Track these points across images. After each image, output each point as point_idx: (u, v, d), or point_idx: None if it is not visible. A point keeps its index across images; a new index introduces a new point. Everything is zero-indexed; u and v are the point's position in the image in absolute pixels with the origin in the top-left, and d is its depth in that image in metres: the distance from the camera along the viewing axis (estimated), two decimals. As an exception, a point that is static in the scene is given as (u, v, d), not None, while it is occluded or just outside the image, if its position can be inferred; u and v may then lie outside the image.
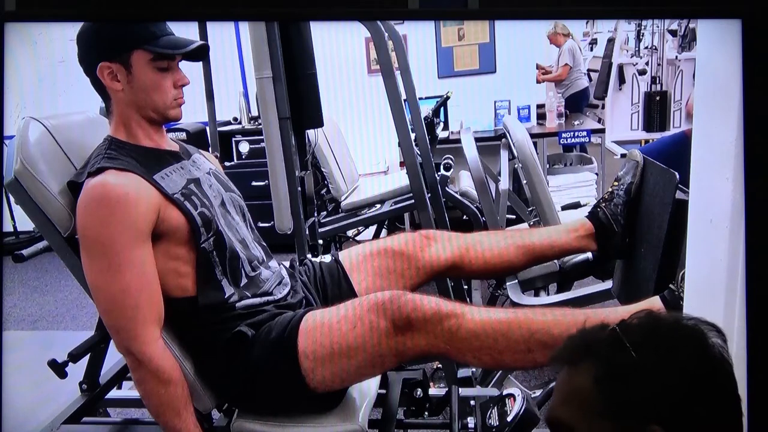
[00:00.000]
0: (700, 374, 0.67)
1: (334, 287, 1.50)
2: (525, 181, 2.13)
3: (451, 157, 2.60)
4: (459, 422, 1.38)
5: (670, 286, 1.27)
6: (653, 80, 4.11)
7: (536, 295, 2.08)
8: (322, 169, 3.29)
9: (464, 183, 3.33)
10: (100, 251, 1.19)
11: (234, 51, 4.40)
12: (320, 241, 2.21)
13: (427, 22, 4.09)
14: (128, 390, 1.80)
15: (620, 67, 4.29)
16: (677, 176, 1.38)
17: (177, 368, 1.24)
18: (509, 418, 1.22)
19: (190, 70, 1.38)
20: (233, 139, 4.20)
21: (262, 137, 1.89)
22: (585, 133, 3.91)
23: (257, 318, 1.31)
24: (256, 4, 1.22)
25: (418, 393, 1.52)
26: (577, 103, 4.84)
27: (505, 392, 1.29)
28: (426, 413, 1.53)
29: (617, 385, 0.67)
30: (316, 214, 2.03)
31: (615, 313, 1.29)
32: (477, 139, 2.51)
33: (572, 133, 3.91)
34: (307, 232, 1.94)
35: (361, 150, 4.19)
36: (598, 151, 4.25)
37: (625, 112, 4.22)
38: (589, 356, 0.70)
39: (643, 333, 0.70)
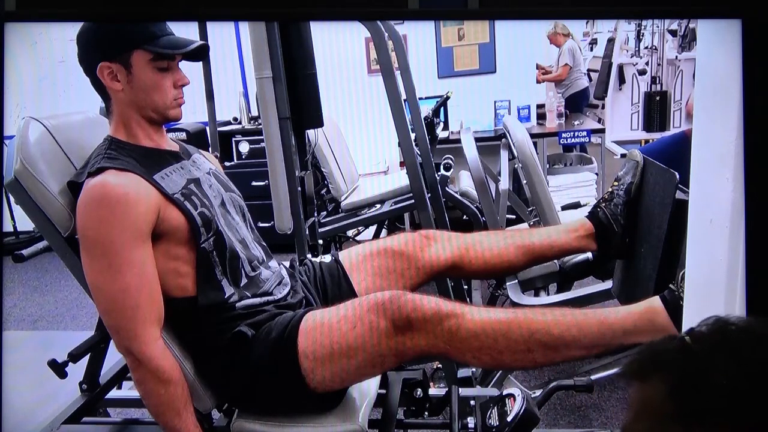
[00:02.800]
0: None
1: (334, 287, 1.50)
2: (525, 181, 2.13)
3: (451, 157, 2.60)
4: (459, 422, 1.38)
5: (670, 286, 1.27)
6: (653, 80, 4.11)
7: (536, 295, 2.08)
8: (322, 169, 3.29)
9: (464, 183, 3.33)
10: (100, 251, 1.19)
11: (234, 51, 4.40)
12: (320, 241, 2.21)
13: (427, 22, 4.09)
14: (128, 390, 1.80)
15: (620, 67, 4.29)
16: (677, 176, 1.38)
17: (177, 368, 1.24)
18: (509, 418, 1.22)
19: (190, 70, 1.38)
20: (233, 139, 4.20)
21: (262, 137, 1.89)
22: (585, 133, 3.92)
23: (257, 318, 1.31)
24: (256, 4, 1.22)
25: (418, 393, 1.52)
26: (577, 103, 4.84)
27: (505, 392, 1.29)
28: (426, 413, 1.53)
29: (691, 394, 0.65)
30: (316, 214, 2.03)
31: (615, 313, 1.30)
32: (477, 139, 2.51)
33: (572, 133, 3.91)
34: (307, 232, 1.94)
35: (361, 150, 4.19)
36: (598, 151, 4.25)
37: (625, 112, 4.22)
38: (660, 369, 0.69)
39: (712, 338, 0.68)
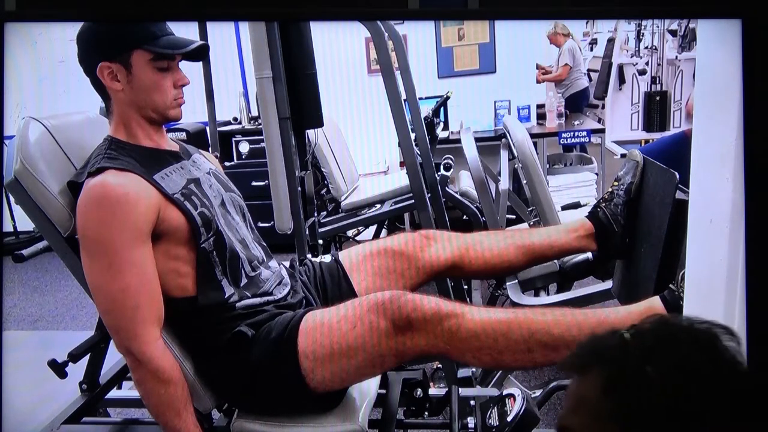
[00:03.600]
0: (712, 378, 0.66)
1: (334, 287, 1.50)
2: (525, 181, 2.13)
3: (451, 157, 2.60)
4: (459, 422, 1.38)
5: (670, 286, 1.27)
6: (653, 80, 4.11)
7: (536, 295, 2.08)
8: (322, 169, 3.29)
9: (464, 183, 3.33)
10: (100, 251, 1.19)
11: (234, 51, 4.40)
12: (320, 241, 2.21)
13: (427, 22, 4.09)
14: (128, 390, 1.80)
15: (620, 67, 4.29)
16: (677, 176, 1.38)
17: (177, 368, 1.24)
18: (509, 418, 1.22)
19: (190, 70, 1.38)
20: (233, 139, 4.20)
21: (262, 137, 1.89)
22: (585, 133, 3.91)
23: (257, 318, 1.31)
24: (256, 4, 1.22)
25: (418, 393, 1.52)
26: (577, 103, 4.85)
27: (505, 392, 1.29)
28: (426, 413, 1.53)
29: (627, 391, 0.66)
30: (316, 214, 2.03)
31: (615, 313, 1.30)
32: (477, 139, 2.51)
33: (572, 133, 3.91)
34: (307, 232, 1.94)
35: (361, 150, 4.19)
36: (598, 151, 4.25)
37: (625, 112, 4.22)
38: (598, 363, 0.69)
39: (652, 337, 0.68)
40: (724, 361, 0.67)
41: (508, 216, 2.53)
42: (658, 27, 4.09)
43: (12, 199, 1.32)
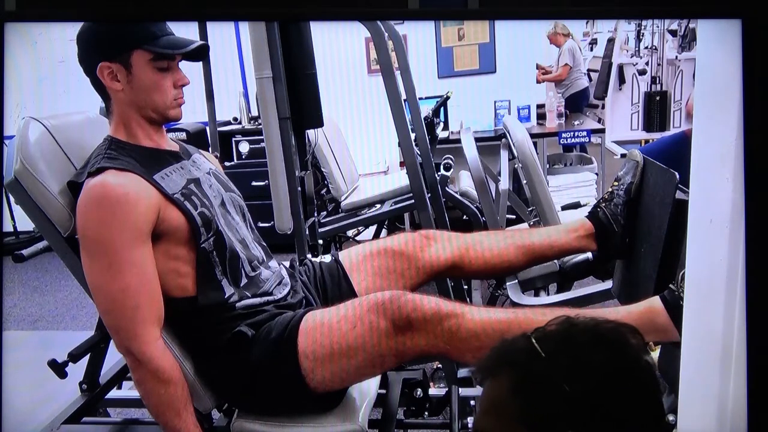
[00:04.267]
0: (614, 380, 0.66)
1: (334, 287, 1.50)
2: (525, 181, 2.13)
3: (451, 157, 2.60)
4: (459, 422, 1.38)
5: (670, 286, 1.27)
6: (653, 80, 4.11)
7: (536, 295, 2.07)
8: (322, 169, 3.29)
9: (464, 183, 3.33)
10: (100, 251, 1.19)
11: (234, 51, 4.40)
12: (320, 241, 2.21)
13: (427, 22, 4.09)
14: (128, 390, 1.80)
15: (620, 67, 4.29)
16: (677, 176, 1.38)
17: (177, 368, 1.24)
18: (509, 418, 1.22)
19: (190, 70, 1.38)
20: (233, 139, 4.20)
21: (262, 137, 1.89)
22: (585, 133, 3.91)
23: (257, 318, 1.31)
24: (256, 4, 1.22)
25: (418, 393, 1.52)
26: (577, 103, 4.85)
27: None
28: (426, 413, 1.53)
29: (532, 393, 0.66)
30: (316, 214, 2.03)
31: (615, 313, 1.30)
32: (477, 139, 2.51)
33: (572, 133, 3.91)
34: (307, 232, 1.94)
35: (361, 150, 4.19)
36: (598, 151, 4.25)
37: (625, 112, 4.22)
38: (506, 365, 0.70)
39: (557, 339, 0.69)
40: (629, 362, 0.68)
41: (508, 216, 2.53)
42: (658, 27, 4.09)
43: (12, 199, 1.32)
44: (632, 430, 0.66)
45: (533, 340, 0.70)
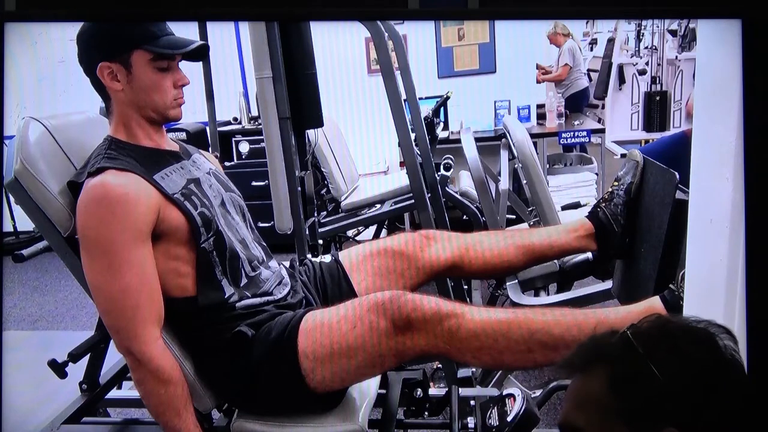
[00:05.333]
0: (712, 376, 0.67)
1: (334, 287, 1.50)
2: (525, 181, 2.13)
3: (451, 157, 2.60)
4: (459, 422, 1.38)
5: (670, 286, 1.27)
6: (653, 80, 4.11)
7: (536, 295, 2.08)
8: (322, 169, 3.29)
9: (464, 183, 3.33)
10: (100, 251, 1.19)
11: (234, 51, 4.40)
12: (320, 241, 2.21)
13: (427, 22, 4.09)
14: (128, 390, 1.80)
15: (620, 67, 4.29)
16: (677, 176, 1.38)
17: (177, 368, 1.24)
18: (509, 418, 1.22)
19: (190, 70, 1.38)
20: (233, 139, 4.20)
21: (262, 137, 1.89)
22: (585, 133, 3.91)
23: (257, 318, 1.31)
24: (256, 4, 1.22)
25: (418, 393, 1.52)
26: (577, 103, 4.84)
27: (505, 392, 1.29)
28: (426, 413, 1.53)
29: (632, 388, 0.67)
30: (316, 214, 2.03)
31: (615, 312, 1.30)
32: (477, 139, 2.51)
33: (572, 133, 3.91)
34: (307, 232, 1.94)
35: (361, 150, 4.19)
36: (598, 151, 4.25)
37: (625, 112, 4.22)
38: (602, 361, 0.70)
39: (654, 336, 0.70)
40: (724, 359, 0.68)
41: (508, 216, 2.53)
42: (658, 27, 4.09)
43: (12, 199, 1.32)
44: (727, 424, 0.67)
45: (630, 335, 0.70)
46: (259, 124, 2.57)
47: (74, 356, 1.43)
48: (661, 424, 0.65)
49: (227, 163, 4.14)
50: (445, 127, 4.23)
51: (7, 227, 4.19)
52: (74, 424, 1.49)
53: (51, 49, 4.36)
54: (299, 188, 1.87)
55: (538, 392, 1.57)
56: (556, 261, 2.01)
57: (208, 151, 1.70)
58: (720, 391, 0.67)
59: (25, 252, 1.45)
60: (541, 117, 4.38)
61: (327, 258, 1.56)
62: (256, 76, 1.81)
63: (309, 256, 1.80)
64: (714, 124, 0.98)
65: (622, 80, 4.29)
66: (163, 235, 1.25)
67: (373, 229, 3.62)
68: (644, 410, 0.66)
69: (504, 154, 2.60)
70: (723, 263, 0.96)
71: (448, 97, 3.40)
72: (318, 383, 1.25)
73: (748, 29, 0.95)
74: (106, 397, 1.66)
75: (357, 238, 3.60)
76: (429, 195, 2.15)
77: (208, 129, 2.57)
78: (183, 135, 2.45)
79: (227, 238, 1.32)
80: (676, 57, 4.05)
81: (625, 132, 4.22)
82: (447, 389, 1.54)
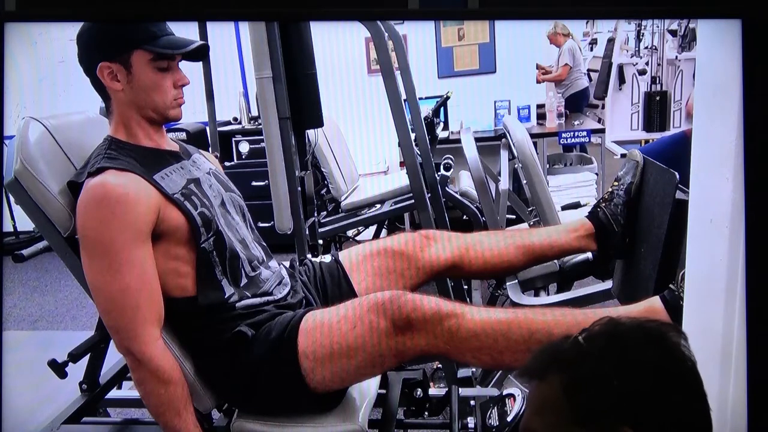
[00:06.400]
0: (664, 374, 0.68)
1: (334, 287, 1.50)
2: (525, 181, 2.13)
3: (451, 157, 2.60)
4: (459, 422, 1.38)
5: (670, 286, 1.27)
6: (653, 80, 4.12)
7: (536, 295, 2.07)
8: (322, 169, 3.29)
9: (464, 183, 3.33)
10: (100, 251, 1.19)
11: (234, 51, 4.40)
12: (320, 241, 2.21)
13: (427, 22, 4.09)
14: (128, 390, 1.80)
15: (620, 67, 4.30)
16: (677, 176, 1.38)
17: (177, 368, 1.24)
18: (509, 418, 1.22)
19: (190, 70, 1.38)
20: (233, 139, 4.20)
21: (262, 137, 1.89)
22: (585, 133, 3.92)
23: (257, 318, 1.31)
24: (256, 4, 1.22)
25: (418, 393, 1.52)
26: (577, 103, 4.85)
27: (505, 392, 1.29)
28: (426, 413, 1.53)
29: (585, 391, 0.68)
30: (316, 214, 2.03)
31: (615, 313, 1.29)
32: (477, 139, 2.51)
33: (572, 133, 3.91)
34: (307, 232, 1.94)
35: (361, 150, 4.19)
36: (598, 151, 4.25)
37: (625, 112, 4.23)
38: (555, 367, 0.72)
39: (605, 339, 0.71)
40: (675, 356, 0.70)
41: (508, 216, 2.53)
42: (658, 27, 4.09)
43: (12, 199, 1.32)
44: (680, 422, 0.68)
45: (581, 340, 0.72)
46: (259, 124, 2.57)
47: (74, 356, 1.43)
48: (616, 426, 0.66)
49: (227, 163, 4.14)
50: (445, 127, 4.23)
51: (7, 227, 4.19)
52: (74, 424, 1.49)
53: (51, 49, 4.35)
54: (299, 188, 1.87)
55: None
56: (556, 261, 2.01)
57: (208, 151, 1.70)
58: (672, 388, 0.68)
59: (25, 252, 1.45)
60: (541, 117, 4.38)
61: (327, 258, 1.56)
62: (256, 76, 1.81)
63: (309, 256, 1.79)
64: (714, 124, 0.98)
65: (622, 80, 4.29)
66: (163, 235, 1.25)
67: (373, 229, 3.62)
68: (598, 412, 0.68)
69: (504, 154, 2.60)
70: (723, 263, 0.96)
71: (448, 97, 3.40)
72: (318, 383, 1.25)
73: (748, 29, 0.95)
74: (106, 397, 1.66)
75: (357, 238, 3.60)
76: (429, 195, 2.15)
77: (208, 129, 2.57)
78: (183, 135, 2.45)
79: (227, 238, 1.32)
80: (676, 57, 4.05)
81: (625, 132, 4.22)
82: (447, 389, 1.54)
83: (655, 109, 4.10)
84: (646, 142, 4.17)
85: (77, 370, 1.53)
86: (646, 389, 0.67)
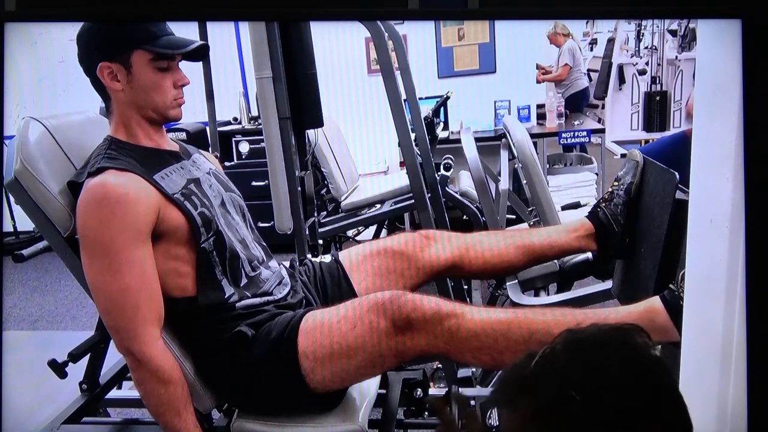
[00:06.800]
0: (630, 379, 0.66)
1: (334, 287, 1.50)
2: (525, 181, 2.13)
3: (451, 157, 2.60)
4: (459, 422, 1.37)
5: (670, 286, 1.27)
6: (653, 80, 4.12)
7: (536, 295, 2.07)
8: (322, 169, 3.29)
9: (464, 183, 3.33)
10: (100, 251, 1.19)
11: (234, 51, 4.40)
12: (320, 241, 2.21)
13: (427, 22, 4.09)
14: (128, 390, 1.80)
15: (620, 67, 4.30)
16: (677, 176, 1.38)
17: (177, 368, 1.24)
18: (509, 418, 1.22)
19: (190, 70, 1.38)
20: (233, 139, 4.20)
21: (262, 137, 1.89)
22: (585, 133, 3.91)
23: (257, 318, 1.31)
24: (256, 4, 1.22)
25: (418, 393, 1.52)
26: (577, 103, 4.85)
27: (505, 392, 1.29)
28: (426, 413, 1.53)
29: (553, 416, 0.66)
30: (316, 214, 2.03)
31: (615, 313, 1.30)
32: (477, 139, 2.51)
33: (572, 133, 3.91)
34: (307, 232, 1.94)
35: (361, 150, 4.19)
36: (598, 151, 4.25)
37: (625, 112, 4.22)
38: (520, 394, 0.70)
39: (566, 359, 0.69)
40: (638, 359, 0.68)
41: (508, 216, 2.53)
42: (658, 27, 4.09)
43: (12, 199, 1.32)
44: (661, 424, 0.66)
45: (542, 361, 0.70)
46: (259, 124, 2.57)
47: (74, 356, 1.43)
48: None
49: (227, 163, 4.13)
50: (445, 127, 4.23)
51: (7, 227, 4.18)
52: (74, 424, 1.49)
53: (51, 49, 4.35)
54: (299, 188, 1.87)
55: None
56: (556, 261, 2.00)
57: (208, 151, 1.70)
58: (645, 391, 0.66)
59: (25, 252, 1.45)
60: (541, 117, 4.38)
61: (327, 258, 1.56)
62: (256, 76, 1.81)
63: (309, 256, 1.79)
64: (714, 124, 0.98)
65: (622, 80, 4.29)
66: (163, 235, 1.25)
67: (373, 229, 3.62)
68: None
69: (504, 154, 2.60)
70: (723, 263, 0.96)
71: (448, 97, 3.40)
72: (318, 383, 1.25)
73: (748, 29, 0.95)
74: (106, 397, 1.66)
75: (357, 238, 3.60)
76: (429, 195, 2.15)
77: (208, 129, 2.57)
78: (183, 135, 2.45)
79: (227, 238, 1.32)
80: (676, 57, 4.05)
81: (625, 132, 4.22)
82: (447, 389, 1.54)
83: (655, 109, 4.10)
84: (646, 142, 4.17)
85: (77, 370, 1.53)
86: (615, 400, 0.65)
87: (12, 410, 1.18)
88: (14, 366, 1.17)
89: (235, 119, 4.34)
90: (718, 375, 0.96)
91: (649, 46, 4.12)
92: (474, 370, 1.93)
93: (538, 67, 4.74)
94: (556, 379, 0.67)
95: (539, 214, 2.10)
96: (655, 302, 1.27)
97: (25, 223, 2.74)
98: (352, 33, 4.29)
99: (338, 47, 4.31)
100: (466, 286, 2.64)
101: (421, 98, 3.39)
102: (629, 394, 0.65)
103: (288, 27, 1.80)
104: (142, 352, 1.20)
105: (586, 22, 5.56)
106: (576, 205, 2.67)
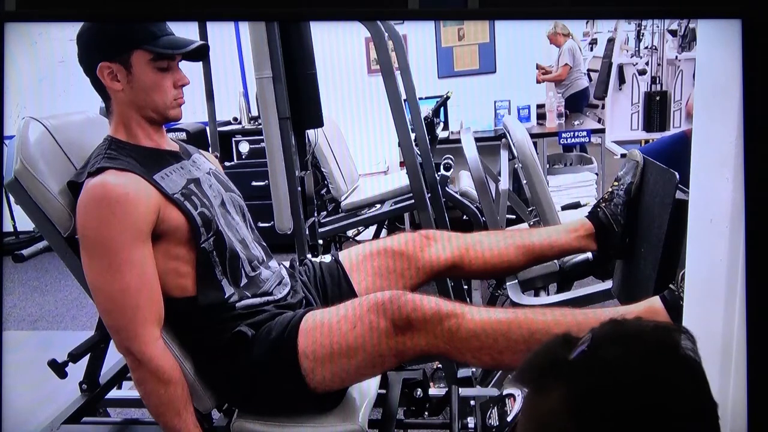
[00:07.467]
0: (680, 380, 0.64)
1: (334, 287, 1.50)
2: (525, 181, 2.13)
3: (451, 157, 2.60)
4: (459, 422, 1.38)
5: (670, 286, 1.27)
6: (653, 80, 4.12)
7: (536, 295, 2.07)
8: (322, 169, 3.29)
9: (464, 183, 3.33)
10: (99, 251, 1.19)
11: (234, 51, 4.40)
12: (320, 241, 2.21)
13: (427, 22, 4.09)
14: (128, 390, 1.80)
15: (620, 67, 4.30)
16: (677, 176, 1.38)
17: (177, 368, 1.24)
18: (509, 418, 1.22)
19: (190, 70, 1.38)
20: (233, 139, 4.20)
21: (262, 137, 1.89)
22: (585, 133, 3.92)
23: (257, 318, 1.31)
24: (256, 4, 1.22)
25: (418, 393, 1.52)
26: (577, 103, 4.85)
27: (505, 392, 1.29)
28: (426, 413, 1.53)
29: (592, 409, 0.63)
30: (316, 214, 2.03)
31: (615, 313, 1.30)
32: (477, 139, 2.51)
33: (572, 133, 3.91)
34: (307, 232, 1.94)
35: (361, 150, 4.19)
36: (598, 151, 4.25)
37: (625, 112, 4.22)
38: (555, 378, 0.66)
39: (611, 348, 0.65)
40: (684, 362, 0.66)
41: (508, 216, 2.53)
42: (658, 27, 4.09)
43: (12, 199, 1.32)
44: (693, 429, 0.64)
45: (585, 348, 0.66)
46: (259, 124, 2.57)
47: (74, 356, 1.43)
48: None
49: (227, 163, 4.14)
50: (445, 127, 4.23)
51: (7, 227, 4.19)
52: (74, 424, 1.49)
53: (51, 49, 4.35)
54: (299, 188, 1.87)
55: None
56: (556, 261, 2.00)
57: (208, 151, 1.70)
58: (682, 394, 0.64)
59: (25, 252, 1.45)
60: (541, 117, 4.38)
61: (327, 258, 1.56)
62: (256, 76, 1.81)
63: (309, 256, 1.79)
64: (714, 124, 0.98)
65: (622, 80, 4.29)
66: (163, 235, 1.25)
67: (373, 229, 3.62)
68: (608, 427, 0.62)
69: (504, 154, 2.59)
70: (723, 263, 0.96)
71: (448, 97, 3.40)
72: (318, 383, 1.25)
73: (748, 29, 0.95)
74: (106, 397, 1.66)
75: (357, 238, 3.60)
76: (429, 195, 2.15)
77: (208, 129, 2.57)
78: (183, 135, 2.45)
79: (227, 238, 1.32)
80: (676, 57, 4.05)
81: (625, 132, 4.22)
82: (447, 389, 1.54)
83: (655, 109, 4.10)
84: (646, 142, 4.17)
85: (77, 370, 1.53)
86: (652, 397, 0.62)
87: (12, 410, 1.18)
88: (14, 366, 1.17)
89: (235, 119, 4.34)
90: (718, 375, 0.96)
91: (649, 46, 4.13)
92: (474, 370, 1.93)
93: (538, 67, 4.74)
94: (595, 370, 0.64)
95: (539, 214, 2.10)
96: (655, 302, 1.27)
97: (25, 223, 2.74)
98: (352, 33, 4.29)
99: (338, 47, 4.31)
100: (466, 286, 2.64)
101: (421, 98, 3.39)
102: (671, 393, 0.63)
103: (288, 27, 1.80)
104: (142, 352, 1.20)
105: (586, 22, 5.57)
106: (576, 205, 2.67)
